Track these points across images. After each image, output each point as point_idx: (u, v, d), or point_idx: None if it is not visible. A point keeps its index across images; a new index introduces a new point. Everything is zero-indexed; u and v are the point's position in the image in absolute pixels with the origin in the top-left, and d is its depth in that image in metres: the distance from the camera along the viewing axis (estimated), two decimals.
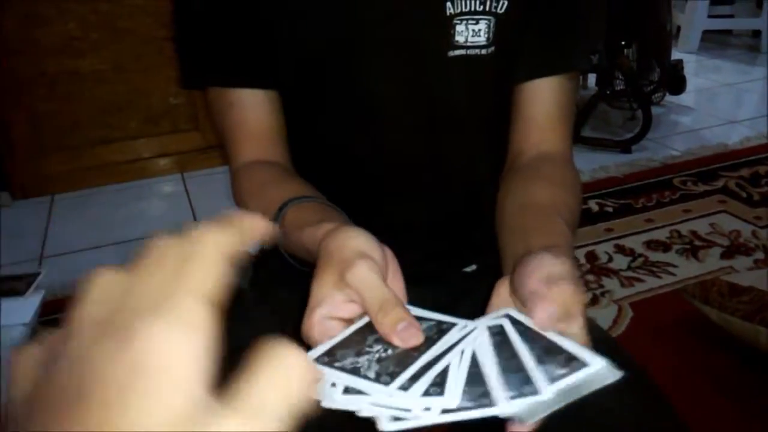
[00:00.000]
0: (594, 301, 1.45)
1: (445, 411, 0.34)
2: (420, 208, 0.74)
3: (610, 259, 1.63)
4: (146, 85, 2.16)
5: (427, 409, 0.34)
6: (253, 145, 0.69)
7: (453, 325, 0.41)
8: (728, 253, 1.63)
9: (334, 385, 0.36)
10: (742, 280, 1.29)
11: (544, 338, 0.39)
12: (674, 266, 1.59)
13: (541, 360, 0.36)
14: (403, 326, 0.38)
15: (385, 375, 0.35)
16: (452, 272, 0.79)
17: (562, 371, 0.35)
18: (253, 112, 0.68)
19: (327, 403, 0.35)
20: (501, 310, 0.43)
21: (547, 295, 0.40)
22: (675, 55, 2.62)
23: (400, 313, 0.39)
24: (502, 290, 0.46)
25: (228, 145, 0.70)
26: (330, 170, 0.72)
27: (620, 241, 1.72)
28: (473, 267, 0.79)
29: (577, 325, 0.41)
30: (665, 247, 1.68)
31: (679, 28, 3.63)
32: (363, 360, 0.37)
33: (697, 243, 1.69)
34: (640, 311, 1.41)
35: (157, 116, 2.23)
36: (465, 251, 0.79)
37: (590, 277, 1.55)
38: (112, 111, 2.17)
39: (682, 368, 1.22)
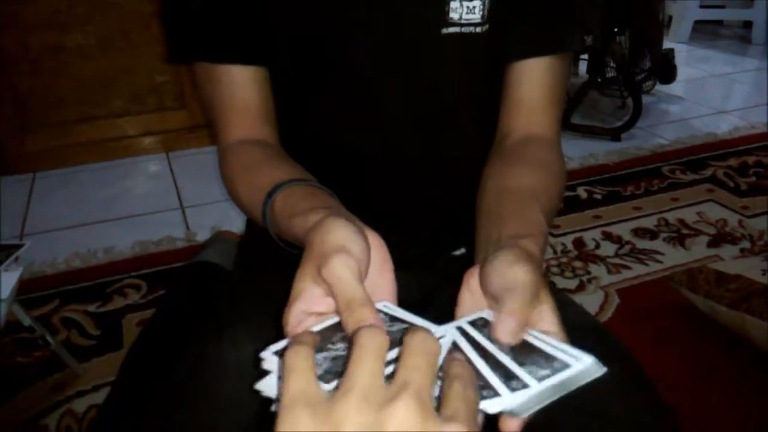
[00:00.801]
0: (581, 288, 1.45)
1: None
2: (410, 192, 0.73)
3: (598, 246, 1.63)
4: (132, 62, 2.11)
5: None
6: (241, 123, 0.67)
7: None
8: (715, 242, 1.64)
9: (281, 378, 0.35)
10: (728, 268, 1.29)
11: (524, 340, 0.38)
12: (661, 254, 1.59)
13: (523, 362, 0.36)
14: None
15: (330, 374, 0.34)
16: (441, 256, 0.79)
17: (547, 371, 0.35)
18: (241, 89, 0.66)
19: (266, 393, 0.35)
20: (477, 313, 0.42)
21: (506, 308, 0.39)
22: (666, 44, 2.61)
23: (365, 313, 0.38)
24: (471, 281, 0.45)
25: (216, 122, 0.69)
26: (321, 154, 0.71)
27: (608, 228, 1.72)
28: (462, 250, 0.79)
29: (550, 323, 0.40)
30: (652, 234, 1.69)
31: (670, 18, 3.62)
32: (319, 357, 0.36)
33: (685, 231, 1.70)
34: (626, 298, 1.41)
35: (142, 94, 2.19)
36: (454, 235, 0.78)
37: (577, 264, 1.55)
38: (96, 88, 2.12)
39: (667, 355, 1.23)
